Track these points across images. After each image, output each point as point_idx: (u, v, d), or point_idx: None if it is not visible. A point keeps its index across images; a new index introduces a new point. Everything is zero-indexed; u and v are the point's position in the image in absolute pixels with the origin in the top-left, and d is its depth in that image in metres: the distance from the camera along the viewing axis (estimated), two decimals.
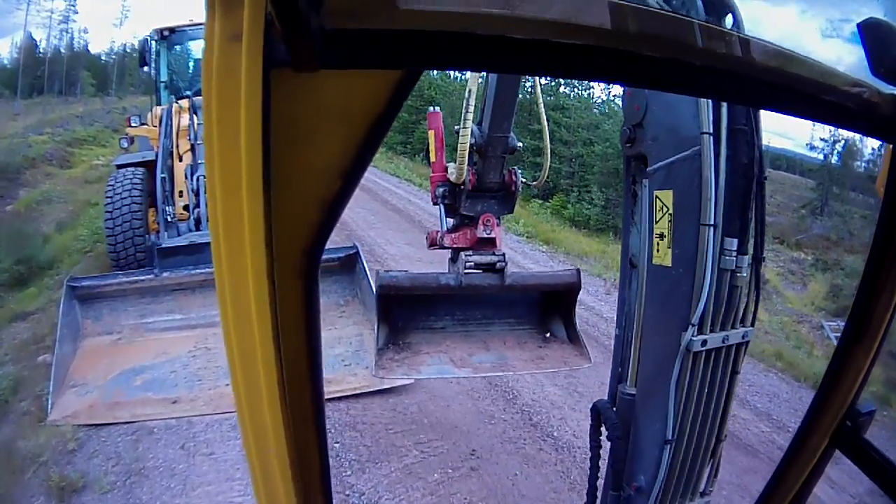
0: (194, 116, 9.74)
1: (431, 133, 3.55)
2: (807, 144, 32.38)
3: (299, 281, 0.87)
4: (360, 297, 8.24)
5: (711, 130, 2.06)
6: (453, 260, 3.44)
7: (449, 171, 3.31)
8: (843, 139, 30.67)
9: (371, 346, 7.10)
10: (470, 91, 3.01)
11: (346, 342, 7.59)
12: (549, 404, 7.41)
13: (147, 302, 7.80)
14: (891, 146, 1.19)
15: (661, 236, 2.26)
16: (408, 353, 3.35)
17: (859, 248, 25.38)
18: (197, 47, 12.57)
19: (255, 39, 0.65)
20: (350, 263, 8.25)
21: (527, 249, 15.61)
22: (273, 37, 0.65)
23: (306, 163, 0.81)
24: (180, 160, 9.53)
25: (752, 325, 2.31)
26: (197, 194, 9.02)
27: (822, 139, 31.40)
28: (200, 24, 12.05)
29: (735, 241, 2.14)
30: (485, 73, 3.12)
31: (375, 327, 3.38)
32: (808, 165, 32.66)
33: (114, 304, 7.69)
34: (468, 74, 3.12)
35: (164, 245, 8.07)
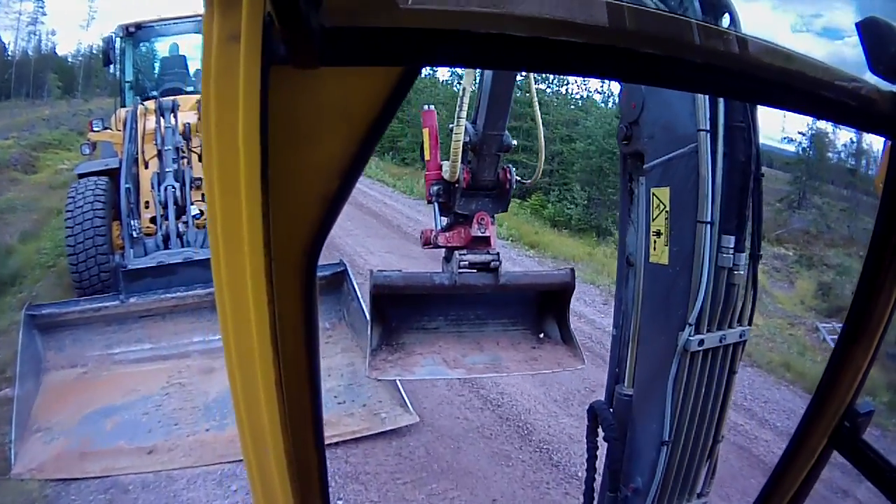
0: (161, 119, 9.02)
1: (426, 131, 3.54)
2: (783, 138, 32.28)
3: (298, 280, 0.87)
4: (348, 321, 7.66)
5: (708, 127, 2.07)
6: (447, 259, 3.43)
7: (443, 170, 3.31)
8: (818, 131, 30.82)
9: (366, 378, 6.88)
10: (464, 89, 3.01)
11: (337, 374, 6.94)
12: (568, 438, 6.87)
13: (113, 330, 7.24)
14: (890, 144, 1.20)
15: (658, 234, 2.26)
16: (401, 353, 3.34)
17: (840, 241, 25.54)
18: (163, 46, 11.96)
19: (254, 39, 0.64)
20: (336, 282, 7.66)
21: (513, 255, 15.24)
22: (273, 35, 0.65)
23: (305, 161, 0.81)
24: (146, 167, 8.86)
25: (750, 324, 2.31)
26: (165, 206, 8.42)
27: (799, 132, 31.38)
28: (168, 19, 10.92)
29: (732, 238, 2.14)
30: (479, 72, 3.12)
31: (369, 328, 3.37)
32: (783, 158, 32.65)
33: (77, 333, 7.11)
34: (461, 72, 3.12)
35: (130, 266, 7.46)
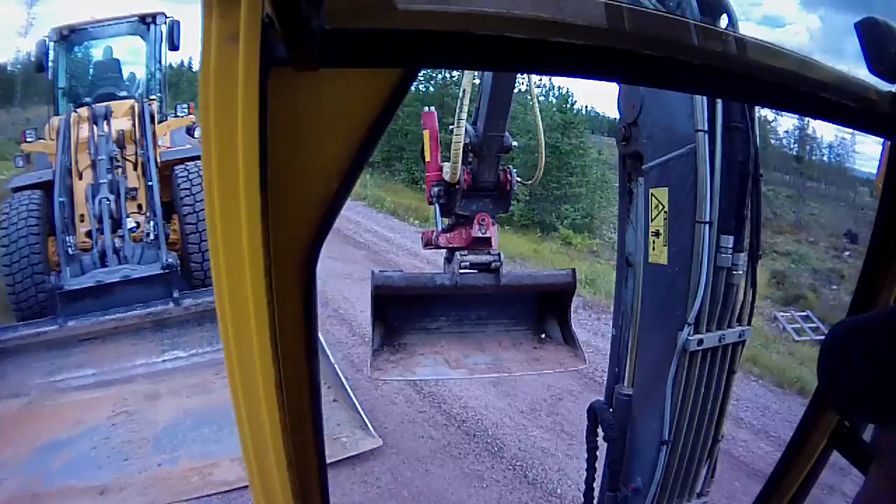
0: (94, 127, 8.59)
1: (426, 133, 3.55)
2: None
3: (297, 280, 0.87)
4: None
5: (707, 128, 2.07)
6: (448, 260, 3.44)
7: (444, 171, 3.32)
8: (760, 118, 31.09)
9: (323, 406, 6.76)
10: (464, 91, 3.02)
11: None
12: (541, 452, 6.54)
13: (54, 356, 6.95)
14: (890, 144, 1.20)
15: (657, 234, 2.26)
16: (403, 354, 3.34)
17: (788, 228, 25.66)
18: (99, 51, 11.13)
19: (252, 40, 0.64)
20: None
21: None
22: (273, 37, 0.65)
23: (305, 162, 0.81)
24: (80, 178, 8.41)
25: (749, 323, 2.31)
26: (100, 220, 7.94)
27: None
28: (102, 21, 10.27)
29: (731, 238, 2.14)
30: (479, 73, 3.13)
31: (371, 328, 3.37)
32: None
33: (18, 359, 6.81)
34: (460, 74, 3.13)
35: (66, 287, 7.15)
